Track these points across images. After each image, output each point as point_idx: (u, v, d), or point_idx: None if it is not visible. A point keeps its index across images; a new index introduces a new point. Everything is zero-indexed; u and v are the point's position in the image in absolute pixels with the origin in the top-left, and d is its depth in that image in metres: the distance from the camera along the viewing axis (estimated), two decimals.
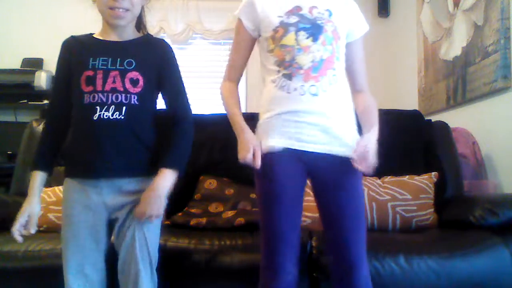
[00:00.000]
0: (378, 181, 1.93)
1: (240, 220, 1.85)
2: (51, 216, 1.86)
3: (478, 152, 2.36)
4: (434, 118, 2.35)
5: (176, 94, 1.33)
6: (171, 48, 1.34)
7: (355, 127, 1.28)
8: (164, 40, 1.36)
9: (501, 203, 1.68)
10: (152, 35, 1.37)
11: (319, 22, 1.23)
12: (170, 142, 1.26)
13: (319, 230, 1.34)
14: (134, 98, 1.21)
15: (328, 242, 1.26)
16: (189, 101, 1.35)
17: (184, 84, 1.35)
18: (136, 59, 1.24)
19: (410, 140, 2.13)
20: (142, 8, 1.31)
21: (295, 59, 1.20)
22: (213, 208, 1.99)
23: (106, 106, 1.19)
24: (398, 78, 3.64)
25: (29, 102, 3.52)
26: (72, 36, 1.32)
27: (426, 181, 1.93)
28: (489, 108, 2.40)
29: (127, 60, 1.23)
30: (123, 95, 1.20)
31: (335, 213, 1.22)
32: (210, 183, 2.08)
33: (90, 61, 1.22)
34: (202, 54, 3.89)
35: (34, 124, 2.28)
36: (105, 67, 1.22)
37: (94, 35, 1.31)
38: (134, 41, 1.29)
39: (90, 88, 1.20)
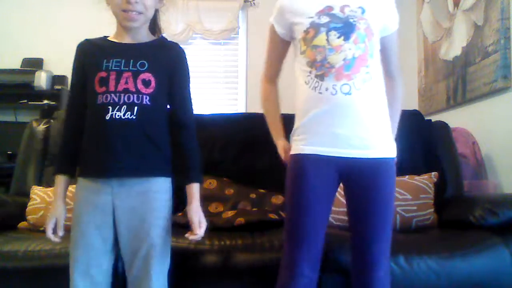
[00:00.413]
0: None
1: (240, 220, 1.85)
2: None
3: (478, 152, 2.36)
4: (434, 118, 2.35)
5: (184, 99, 1.34)
6: (184, 53, 1.36)
7: (389, 125, 1.28)
8: (178, 44, 1.37)
9: (501, 203, 1.68)
10: (166, 38, 1.38)
11: (351, 20, 1.21)
12: (185, 153, 1.29)
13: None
14: (146, 98, 1.23)
15: (352, 237, 1.27)
16: (193, 107, 1.37)
17: (191, 91, 1.37)
18: (149, 60, 1.25)
19: (410, 140, 2.13)
20: (157, 11, 1.33)
21: (327, 58, 1.19)
22: (213, 208, 1.99)
23: (118, 106, 1.21)
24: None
25: (29, 102, 3.52)
26: (86, 39, 1.34)
27: (426, 181, 1.93)
28: (489, 108, 2.40)
29: (140, 62, 1.25)
30: (135, 95, 1.22)
31: (363, 211, 1.23)
32: (210, 183, 2.08)
33: (104, 62, 1.24)
34: (202, 54, 3.90)
35: (34, 124, 2.28)
36: (118, 68, 1.23)
37: (108, 38, 1.33)
38: (149, 43, 1.31)
39: (103, 89, 1.22)
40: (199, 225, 1.23)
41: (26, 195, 2.01)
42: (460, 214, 1.78)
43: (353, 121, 1.19)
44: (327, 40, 1.20)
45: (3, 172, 2.97)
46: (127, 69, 1.23)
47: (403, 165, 2.00)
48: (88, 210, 1.24)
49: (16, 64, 3.61)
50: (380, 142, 1.23)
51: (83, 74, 1.28)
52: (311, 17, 1.23)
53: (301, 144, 1.24)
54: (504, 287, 1.51)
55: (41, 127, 2.26)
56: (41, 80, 3.48)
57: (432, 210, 1.87)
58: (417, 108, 3.05)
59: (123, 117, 1.20)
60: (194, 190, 1.27)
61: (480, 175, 2.33)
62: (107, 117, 1.20)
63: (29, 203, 1.93)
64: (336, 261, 1.47)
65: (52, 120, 2.28)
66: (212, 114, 2.37)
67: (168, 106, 1.32)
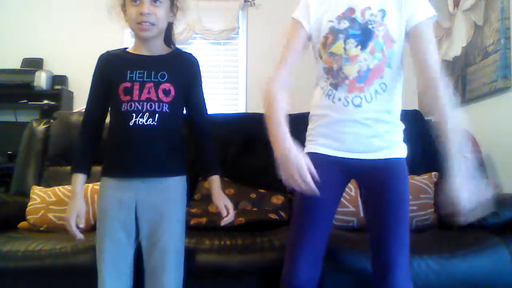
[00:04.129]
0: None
1: (240, 220, 1.86)
2: (51, 216, 1.86)
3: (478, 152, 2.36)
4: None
5: (202, 106, 1.48)
6: (198, 62, 1.47)
7: (400, 127, 1.28)
8: (192, 54, 1.47)
9: (501, 203, 1.68)
10: (180, 49, 1.50)
11: (370, 26, 1.19)
12: (204, 151, 1.49)
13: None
14: (165, 106, 1.35)
15: (370, 240, 1.27)
16: (207, 110, 1.51)
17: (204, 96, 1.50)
18: (168, 72, 1.37)
19: (410, 140, 2.12)
20: (170, 25, 1.45)
21: (342, 68, 1.20)
22: (213, 208, 1.98)
23: (141, 114, 1.32)
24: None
25: (29, 102, 3.52)
26: (107, 52, 1.44)
27: (426, 181, 1.93)
28: (489, 108, 2.40)
29: (160, 73, 1.36)
30: (157, 103, 1.34)
31: (378, 214, 1.23)
32: None
33: (128, 73, 1.35)
34: (202, 54, 3.90)
35: (34, 124, 2.28)
36: (141, 79, 1.35)
37: (128, 50, 1.44)
38: (167, 55, 1.42)
39: (128, 98, 1.33)
40: (227, 209, 1.40)
41: (26, 195, 2.01)
42: None
43: (360, 129, 1.21)
44: (344, 48, 1.19)
45: (3, 172, 2.98)
46: (149, 79, 1.35)
47: None
48: (113, 206, 1.34)
49: (16, 64, 3.61)
50: (388, 146, 1.23)
51: (104, 84, 1.39)
52: (332, 21, 1.22)
53: (312, 144, 1.28)
54: (504, 287, 1.51)
55: (41, 127, 2.26)
56: (41, 80, 3.48)
57: (432, 210, 1.87)
58: (417, 108, 3.05)
59: (145, 123, 1.32)
60: (215, 180, 1.44)
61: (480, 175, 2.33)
62: (131, 123, 1.32)
63: (29, 203, 1.93)
64: (336, 262, 1.46)
65: (52, 120, 2.28)
66: (212, 114, 2.36)
67: (185, 111, 1.46)
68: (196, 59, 1.47)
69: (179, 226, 1.37)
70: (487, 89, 2.36)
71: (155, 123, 1.33)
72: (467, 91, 2.59)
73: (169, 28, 1.44)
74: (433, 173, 1.97)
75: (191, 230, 1.77)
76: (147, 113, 1.32)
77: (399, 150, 1.26)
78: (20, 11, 3.77)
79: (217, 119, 2.31)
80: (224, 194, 1.44)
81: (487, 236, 1.58)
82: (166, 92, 1.35)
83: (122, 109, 1.33)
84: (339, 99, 1.21)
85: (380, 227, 1.22)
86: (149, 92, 1.34)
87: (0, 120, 3.55)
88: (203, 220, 1.88)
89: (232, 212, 1.41)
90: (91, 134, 1.42)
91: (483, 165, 2.34)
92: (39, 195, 1.95)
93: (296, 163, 1.05)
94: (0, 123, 3.52)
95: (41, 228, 1.86)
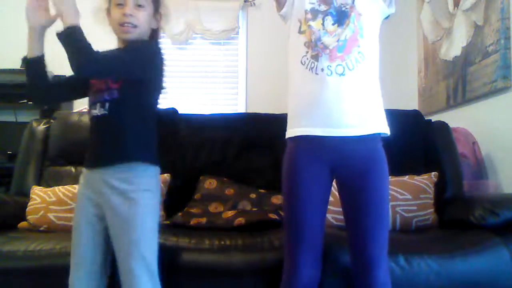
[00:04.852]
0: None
1: (240, 220, 1.85)
2: (51, 216, 1.86)
3: (478, 152, 2.36)
4: (434, 118, 2.35)
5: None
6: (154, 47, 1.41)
7: (381, 103, 1.31)
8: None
9: (501, 203, 1.68)
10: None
11: (343, 8, 1.28)
12: None
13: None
14: (115, 93, 1.33)
15: (348, 239, 1.29)
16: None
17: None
18: None
19: (410, 140, 2.13)
20: (155, 32, 1.43)
21: (321, 39, 1.26)
22: (213, 208, 1.99)
23: (94, 105, 1.35)
24: (398, 78, 3.63)
25: (29, 102, 3.51)
26: None
27: (426, 181, 1.93)
28: (489, 108, 2.40)
29: None
30: (106, 92, 1.33)
31: (357, 212, 1.25)
32: (210, 183, 2.08)
33: None
34: (202, 54, 3.90)
35: (34, 124, 2.28)
36: None
37: None
38: None
39: (90, 94, 1.38)
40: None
41: (26, 195, 2.01)
42: (460, 214, 1.78)
43: (346, 101, 1.23)
44: (323, 24, 1.28)
45: (3, 172, 2.98)
46: None
47: (403, 165, 2.02)
48: (80, 204, 1.36)
49: (16, 64, 3.61)
50: (373, 120, 1.27)
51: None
52: (312, 3, 1.30)
53: (295, 126, 1.28)
54: (504, 287, 1.51)
55: (41, 127, 2.26)
56: None
57: (432, 210, 1.87)
58: (417, 108, 3.05)
59: (99, 114, 1.33)
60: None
61: (480, 175, 2.33)
62: (91, 117, 1.36)
63: (29, 203, 1.93)
64: (336, 262, 1.46)
65: (52, 120, 2.28)
66: (212, 114, 2.37)
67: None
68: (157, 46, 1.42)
69: (148, 227, 1.29)
70: (487, 89, 2.36)
71: (106, 112, 1.32)
72: (467, 91, 2.59)
73: (153, 35, 1.43)
74: (433, 173, 1.97)
75: (191, 230, 1.78)
76: (98, 104, 1.33)
77: (382, 126, 1.29)
78: (20, 11, 3.77)
79: (217, 119, 2.32)
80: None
81: (487, 236, 1.58)
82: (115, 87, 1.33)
83: (90, 106, 1.37)
84: (322, 69, 1.24)
85: (362, 228, 1.24)
86: (100, 84, 1.34)
87: (0, 120, 3.55)
88: (203, 220, 1.88)
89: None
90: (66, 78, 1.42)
91: (483, 165, 2.35)
92: (39, 195, 1.95)
93: None
94: (0, 123, 3.51)
95: (41, 228, 1.86)
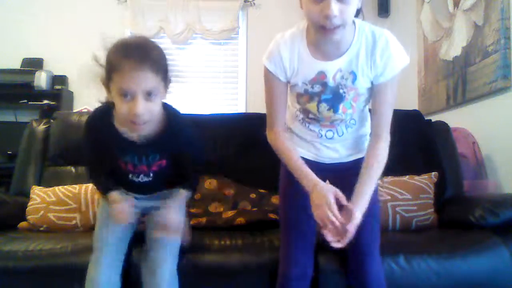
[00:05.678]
0: (378, 181, 1.93)
1: (240, 220, 1.85)
2: (51, 216, 1.86)
3: (478, 152, 2.36)
4: (434, 118, 2.35)
5: (194, 161, 1.45)
6: (190, 130, 1.40)
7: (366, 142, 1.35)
8: (187, 126, 1.39)
9: (501, 203, 1.68)
10: (174, 119, 1.34)
11: (341, 91, 1.23)
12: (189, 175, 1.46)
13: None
14: (163, 163, 1.39)
15: None
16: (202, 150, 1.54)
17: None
18: (159, 152, 1.36)
19: (410, 140, 2.13)
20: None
21: (317, 118, 1.30)
22: (213, 208, 1.99)
23: (136, 175, 1.39)
24: (398, 78, 3.63)
25: (29, 102, 3.52)
26: (94, 123, 1.38)
27: (426, 181, 1.93)
28: (489, 108, 2.40)
29: (151, 156, 1.36)
30: (151, 171, 1.40)
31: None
32: (210, 183, 2.08)
33: (119, 155, 1.36)
34: (202, 54, 3.90)
35: (34, 124, 2.28)
36: (133, 163, 1.37)
37: (115, 124, 1.32)
38: (155, 137, 1.32)
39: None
40: (173, 223, 1.34)
41: (26, 195, 2.01)
42: (460, 214, 1.78)
43: (338, 151, 1.35)
44: (318, 110, 1.27)
45: (3, 172, 2.98)
46: (141, 163, 1.37)
47: (403, 165, 2.02)
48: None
49: (16, 64, 3.62)
50: (364, 147, 1.34)
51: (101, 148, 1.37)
52: (305, 84, 1.24)
53: (290, 139, 1.37)
54: (504, 287, 1.51)
55: (41, 127, 2.26)
56: (41, 80, 3.49)
57: (432, 210, 1.87)
58: (417, 108, 3.05)
59: (141, 181, 1.40)
60: (182, 193, 1.41)
61: (480, 175, 2.33)
62: (128, 178, 1.40)
63: (29, 203, 1.93)
64: (336, 261, 1.46)
65: (52, 120, 2.28)
66: (212, 114, 2.37)
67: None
68: (189, 132, 1.39)
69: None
70: (487, 89, 2.36)
71: (150, 179, 1.40)
72: (467, 91, 2.59)
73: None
74: (433, 173, 1.97)
75: (191, 230, 1.77)
76: (142, 174, 1.39)
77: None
78: (20, 11, 3.77)
79: (217, 119, 2.32)
80: (179, 210, 1.38)
81: (487, 236, 1.58)
82: (158, 165, 1.40)
83: (122, 169, 1.39)
84: (313, 130, 1.33)
85: (359, 226, 1.23)
86: (142, 169, 1.38)
87: (0, 120, 3.55)
88: (203, 220, 1.88)
89: (181, 230, 1.39)
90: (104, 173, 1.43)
91: (483, 165, 2.35)
92: (39, 195, 1.95)
93: (323, 195, 1.14)
94: (0, 123, 3.52)
95: (41, 228, 1.86)
